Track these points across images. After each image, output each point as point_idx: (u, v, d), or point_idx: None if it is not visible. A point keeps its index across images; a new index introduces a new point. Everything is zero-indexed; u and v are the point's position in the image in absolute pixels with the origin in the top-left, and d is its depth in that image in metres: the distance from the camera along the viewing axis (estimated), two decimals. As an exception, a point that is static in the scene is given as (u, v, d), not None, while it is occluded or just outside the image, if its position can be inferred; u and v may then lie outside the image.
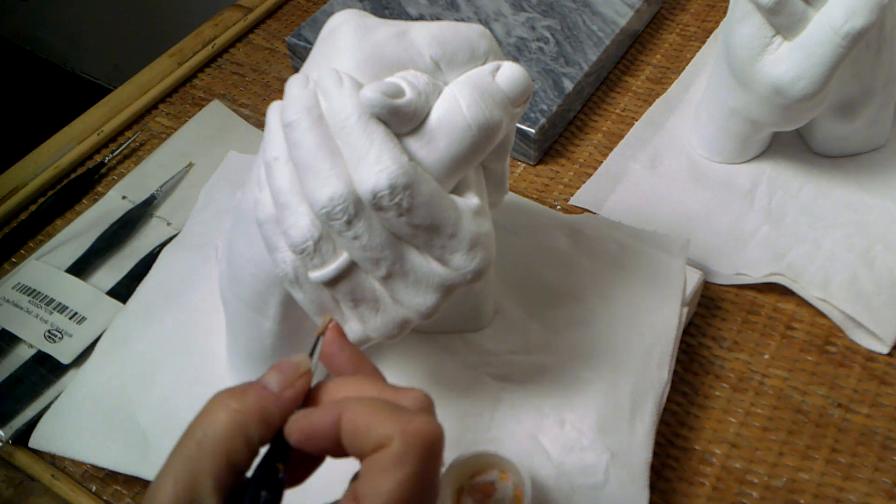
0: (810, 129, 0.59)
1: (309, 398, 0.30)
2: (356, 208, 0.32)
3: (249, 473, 0.29)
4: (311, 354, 0.32)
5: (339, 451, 0.28)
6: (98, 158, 0.65)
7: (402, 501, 0.26)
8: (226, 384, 0.30)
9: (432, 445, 0.27)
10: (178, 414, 0.47)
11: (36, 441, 0.47)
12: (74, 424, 0.47)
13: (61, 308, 0.53)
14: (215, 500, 0.27)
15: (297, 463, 0.30)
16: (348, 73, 0.34)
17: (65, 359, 0.51)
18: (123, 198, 0.61)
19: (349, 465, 0.30)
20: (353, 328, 0.36)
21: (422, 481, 0.27)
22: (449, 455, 0.41)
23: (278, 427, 0.29)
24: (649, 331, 0.48)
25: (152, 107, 0.69)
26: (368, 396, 0.29)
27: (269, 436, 0.29)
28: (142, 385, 0.48)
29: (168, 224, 0.59)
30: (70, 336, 0.52)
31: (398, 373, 0.47)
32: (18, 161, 0.65)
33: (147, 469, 0.45)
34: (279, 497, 0.28)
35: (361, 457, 0.27)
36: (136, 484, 0.47)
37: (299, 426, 0.29)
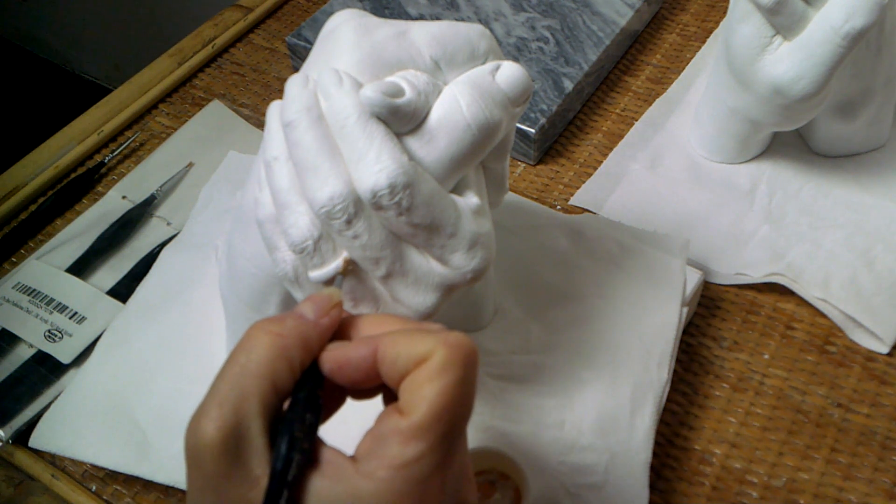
0: (810, 129, 0.59)
1: (338, 331, 0.31)
2: (356, 208, 0.32)
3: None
4: None
5: (368, 383, 0.29)
6: (98, 158, 0.65)
7: (447, 405, 0.27)
8: None
9: (472, 353, 0.28)
10: (178, 414, 0.47)
11: (36, 441, 0.47)
12: (74, 424, 0.47)
13: (61, 308, 0.53)
14: (261, 421, 0.27)
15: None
16: (348, 72, 0.34)
17: (65, 358, 0.51)
18: (123, 198, 0.61)
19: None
20: None
21: (464, 387, 0.28)
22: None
23: (316, 353, 0.30)
24: (649, 331, 0.48)
25: (152, 107, 0.69)
26: (396, 328, 0.30)
27: (309, 360, 0.29)
28: (142, 385, 0.48)
29: (168, 224, 0.59)
30: (70, 336, 0.52)
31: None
32: (18, 161, 0.65)
33: (147, 469, 0.45)
34: (318, 422, 0.29)
35: (402, 378, 0.28)
36: (135, 484, 0.47)
37: (334, 356, 0.29)
